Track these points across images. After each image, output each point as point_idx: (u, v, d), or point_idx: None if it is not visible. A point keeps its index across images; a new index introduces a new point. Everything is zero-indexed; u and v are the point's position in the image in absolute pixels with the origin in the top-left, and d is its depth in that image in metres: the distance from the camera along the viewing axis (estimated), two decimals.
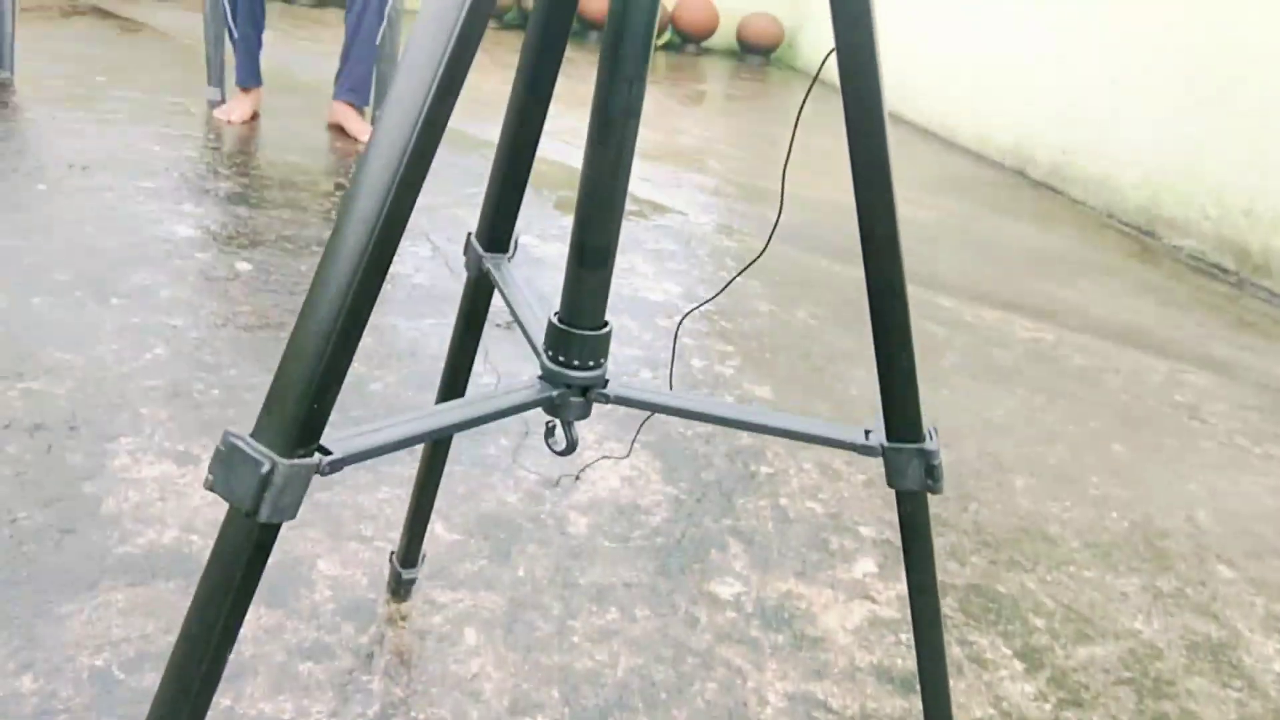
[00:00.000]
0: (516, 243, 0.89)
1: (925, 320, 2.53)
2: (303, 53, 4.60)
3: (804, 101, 0.97)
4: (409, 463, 1.44)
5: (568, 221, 2.94)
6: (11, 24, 3.21)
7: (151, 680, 0.99)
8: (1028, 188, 4.64)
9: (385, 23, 3.32)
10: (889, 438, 0.76)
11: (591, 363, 0.72)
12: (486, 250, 0.87)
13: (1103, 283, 3.28)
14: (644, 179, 3.53)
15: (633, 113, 0.67)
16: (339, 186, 2.78)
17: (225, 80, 3.42)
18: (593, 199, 0.69)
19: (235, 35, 3.23)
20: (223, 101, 3.39)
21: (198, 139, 2.98)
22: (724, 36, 6.91)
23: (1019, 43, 4.94)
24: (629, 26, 0.67)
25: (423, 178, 0.55)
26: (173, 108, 3.27)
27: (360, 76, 3.35)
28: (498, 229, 0.87)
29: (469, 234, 0.89)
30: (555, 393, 0.72)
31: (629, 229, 2.90)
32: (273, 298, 1.98)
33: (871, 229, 0.74)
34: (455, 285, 2.18)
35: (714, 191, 3.55)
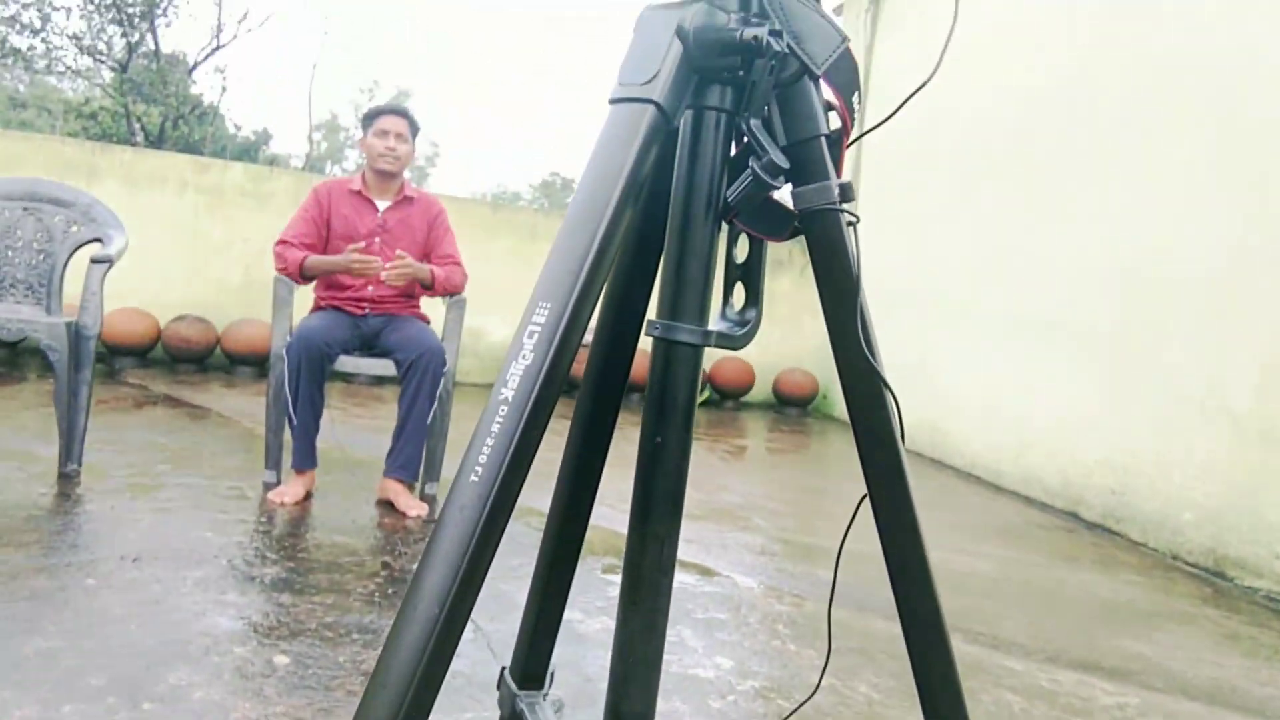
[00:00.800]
0: (552, 676, 0.84)
1: (999, 689, 2.36)
2: (359, 429, 4.81)
3: (855, 513, 0.96)
4: None
5: (614, 591, 2.88)
6: (84, 420, 3.40)
7: None
8: (1083, 530, 4.54)
9: (436, 403, 3.48)
10: None
11: None
12: (521, 687, 0.83)
13: (1179, 634, 3.10)
14: (688, 540, 3.50)
15: (665, 571, 0.66)
16: (385, 566, 2.78)
17: (282, 462, 3.55)
18: (627, 661, 0.65)
19: (294, 422, 3.39)
20: (278, 483, 3.49)
21: (250, 523, 3.03)
22: (761, 390, 7.18)
23: (1062, 387, 5.05)
24: (657, 485, 0.67)
25: (483, 576, 0.55)
26: (230, 492, 3.37)
27: (411, 454, 3.46)
28: (533, 662, 0.83)
29: (502, 668, 0.85)
30: None
31: (675, 596, 2.83)
32: (308, 695, 1.90)
33: (901, 569, 0.71)
34: (495, 672, 2.09)
35: (761, 550, 3.51)
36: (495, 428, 0.69)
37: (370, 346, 3.66)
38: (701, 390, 6.98)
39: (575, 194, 0.81)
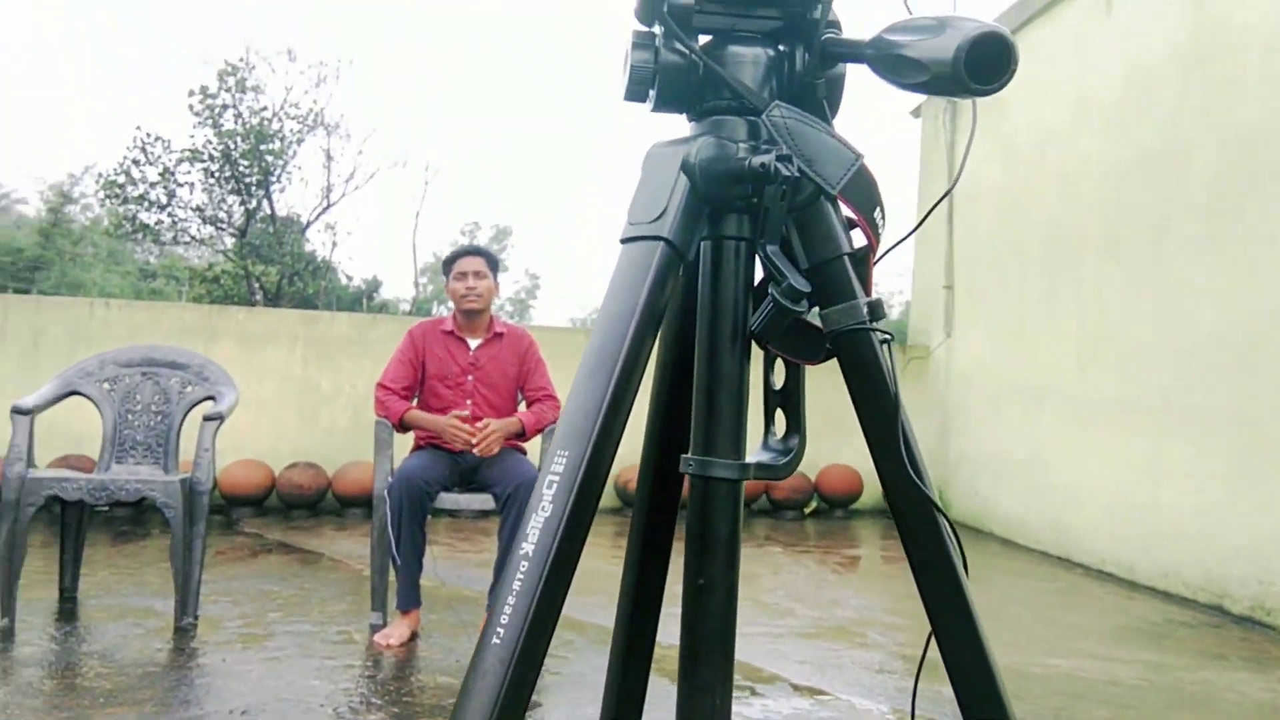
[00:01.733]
0: None
1: None
2: (464, 564, 4.83)
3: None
4: None
5: None
6: (199, 573, 3.50)
7: None
8: (1230, 625, 4.21)
9: None
10: None
11: None
12: None
13: None
14: (801, 661, 3.37)
15: None
16: None
17: (389, 603, 3.57)
18: None
19: (398, 563, 3.42)
20: (384, 625, 3.51)
21: (356, 668, 3.05)
22: (871, 495, 6.98)
23: (1190, 471, 4.78)
24: (704, 628, 0.65)
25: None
26: (338, 637, 3.40)
27: None
28: None
29: None
30: None
31: None
32: None
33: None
34: None
35: (879, 668, 3.34)
36: (516, 585, 0.68)
37: (470, 482, 3.70)
38: (809, 500, 6.83)
39: (591, 336, 0.81)
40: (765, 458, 0.89)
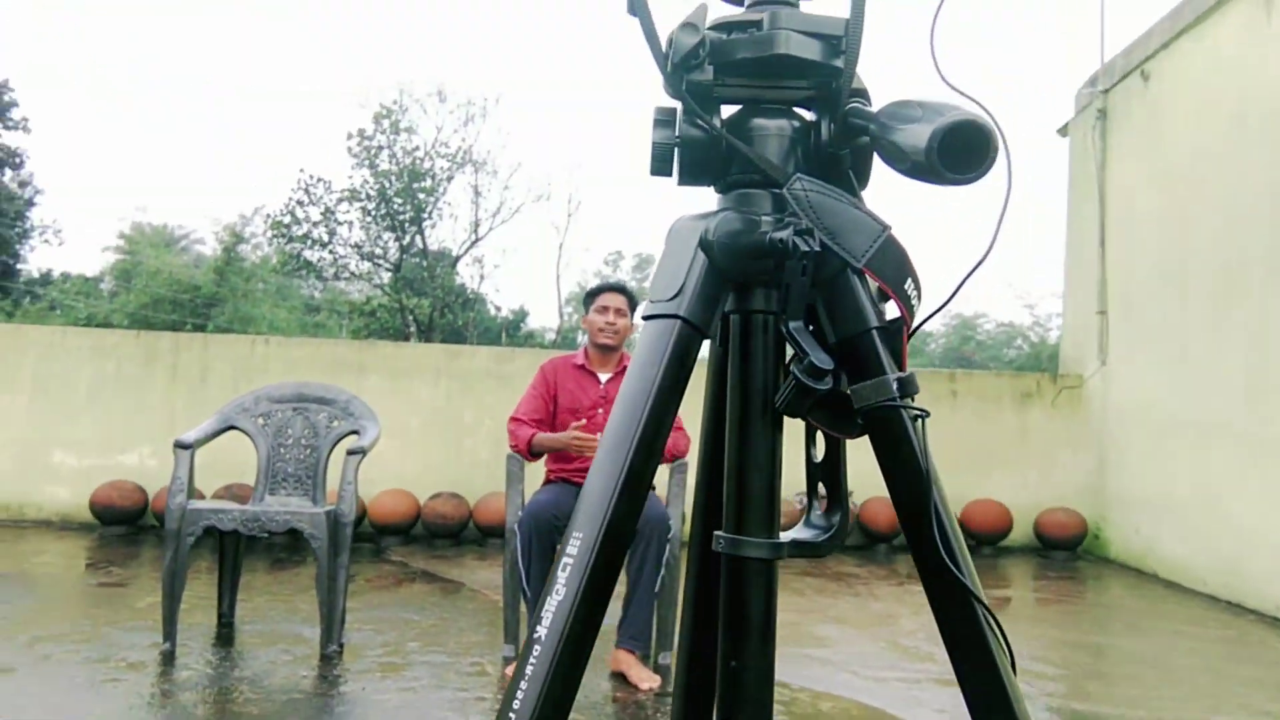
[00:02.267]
0: None
1: None
2: None
3: None
4: None
5: None
6: (343, 602, 3.64)
7: None
8: None
9: (664, 570, 3.47)
10: None
11: None
12: None
13: None
14: (939, 709, 3.23)
15: None
16: None
17: (520, 636, 3.63)
18: None
19: (528, 596, 3.47)
20: (515, 657, 3.56)
21: (487, 701, 3.10)
22: (1021, 532, 6.67)
23: None
24: (738, 715, 0.63)
25: None
26: (471, 669, 3.47)
27: (641, 624, 3.45)
28: None
29: None
30: None
31: None
32: None
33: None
34: None
35: None
36: (529, 670, 0.67)
37: None
38: None
39: (611, 414, 0.81)
40: (805, 534, 0.86)
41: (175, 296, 27.14)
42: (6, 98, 30.12)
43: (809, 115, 0.88)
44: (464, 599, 4.66)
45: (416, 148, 22.04)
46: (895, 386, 0.79)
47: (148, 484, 6.18)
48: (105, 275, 31.90)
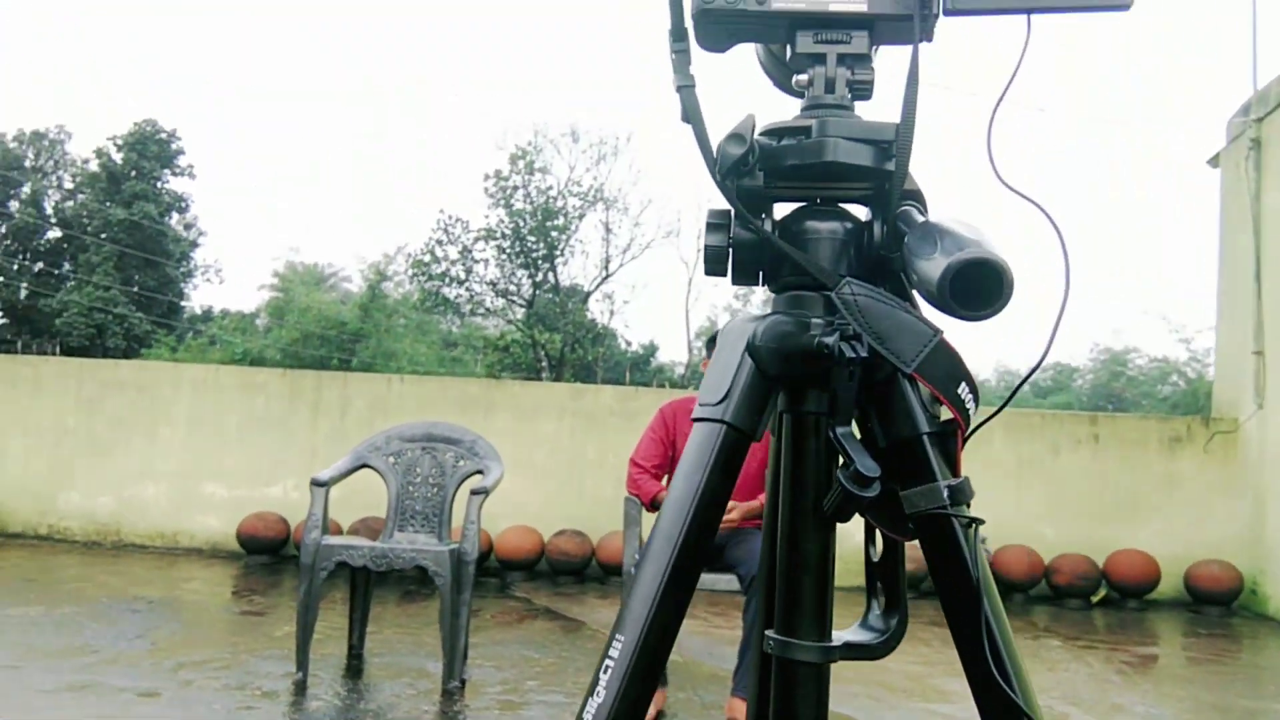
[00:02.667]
0: None
1: None
2: (718, 641, 4.83)
3: None
4: None
5: None
6: (464, 638, 3.72)
7: None
8: None
9: None
10: None
11: None
12: None
13: None
14: None
15: None
16: None
17: None
18: None
19: None
20: None
21: None
22: (1170, 584, 6.27)
23: None
24: None
25: None
26: None
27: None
28: None
29: None
30: None
31: None
32: None
33: None
34: None
35: None
36: None
37: (715, 560, 3.70)
38: (1096, 587, 6.26)
39: (657, 518, 0.81)
40: (861, 636, 0.85)
41: (323, 332, 28.51)
42: (175, 146, 32.44)
43: (865, 214, 0.88)
44: (584, 638, 4.69)
45: (550, 187, 22.62)
46: (946, 493, 0.77)
47: (290, 515, 6.48)
48: (260, 312, 33.78)
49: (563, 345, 22.37)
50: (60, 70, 53.57)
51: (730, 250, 0.86)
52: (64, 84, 54.20)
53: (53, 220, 33.03)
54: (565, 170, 23.25)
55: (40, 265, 32.52)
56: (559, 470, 6.58)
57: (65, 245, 32.11)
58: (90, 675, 3.57)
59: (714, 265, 0.86)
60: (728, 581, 3.57)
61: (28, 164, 32.98)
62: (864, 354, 0.77)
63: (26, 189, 32.64)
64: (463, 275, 22.37)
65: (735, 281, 0.88)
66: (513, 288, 23.11)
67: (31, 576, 5.65)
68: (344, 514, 6.00)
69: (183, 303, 34.67)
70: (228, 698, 3.37)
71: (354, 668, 3.91)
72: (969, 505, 0.79)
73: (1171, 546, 6.31)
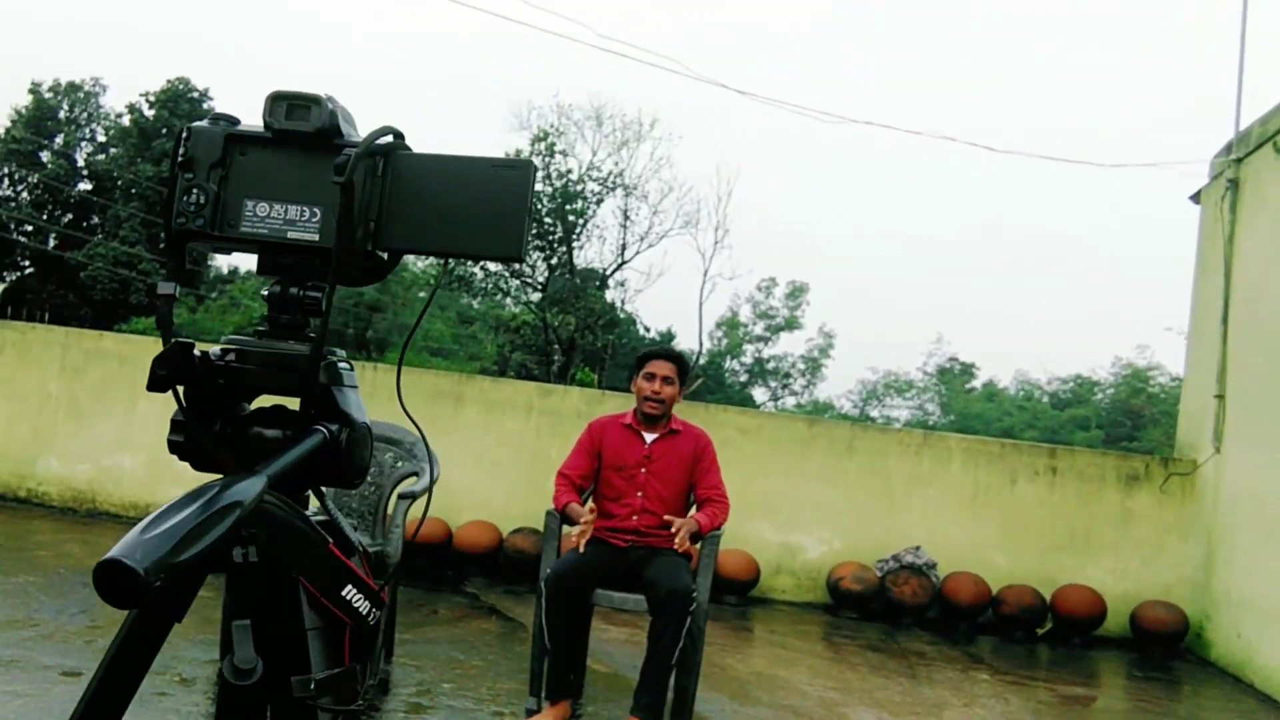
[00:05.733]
0: None
1: None
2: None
3: None
4: None
5: None
6: (386, 637, 3.83)
7: None
8: None
9: (685, 639, 3.50)
10: None
11: None
12: None
13: None
14: None
15: None
16: None
17: (545, 689, 3.73)
18: None
19: (549, 652, 3.58)
20: (538, 711, 3.67)
21: None
22: (1116, 622, 6.27)
23: None
24: None
25: None
26: (492, 718, 3.59)
27: (654, 695, 3.49)
28: None
29: None
30: None
31: None
32: None
33: None
34: None
35: None
36: None
37: (632, 578, 3.79)
38: (1043, 621, 6.28)
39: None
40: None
41: (339, 303, 28.68)
42: (206, 106, 32.70)
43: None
44: (517, 641, 4.80)
45: (570, 170, 22.65)
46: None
47: None
48: None
49: (575, 329, 22.46)
50: (99, 20, 54.08)
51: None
52: (103, 31, 54.76)
53: (84, 173, 33.45)
54: (587, 154, 23.25)
55: (69, 217, 32.97)
56: (522, 467, 6.69)
57: (95, 198, 32.51)
58: (21, 650, 3.71)
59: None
60: (635, 602, 3.66)
61: (61, 115, 33.37)
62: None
63: (59, 140, 33.05)
64: None
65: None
66: (528, 269, 23.19)
67: (0, 542, 5.84)
68: None
69: (208, 263, 34.99)
70: (145, 681, 3.50)
71: None
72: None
73: (1121, 584, 6.35)
